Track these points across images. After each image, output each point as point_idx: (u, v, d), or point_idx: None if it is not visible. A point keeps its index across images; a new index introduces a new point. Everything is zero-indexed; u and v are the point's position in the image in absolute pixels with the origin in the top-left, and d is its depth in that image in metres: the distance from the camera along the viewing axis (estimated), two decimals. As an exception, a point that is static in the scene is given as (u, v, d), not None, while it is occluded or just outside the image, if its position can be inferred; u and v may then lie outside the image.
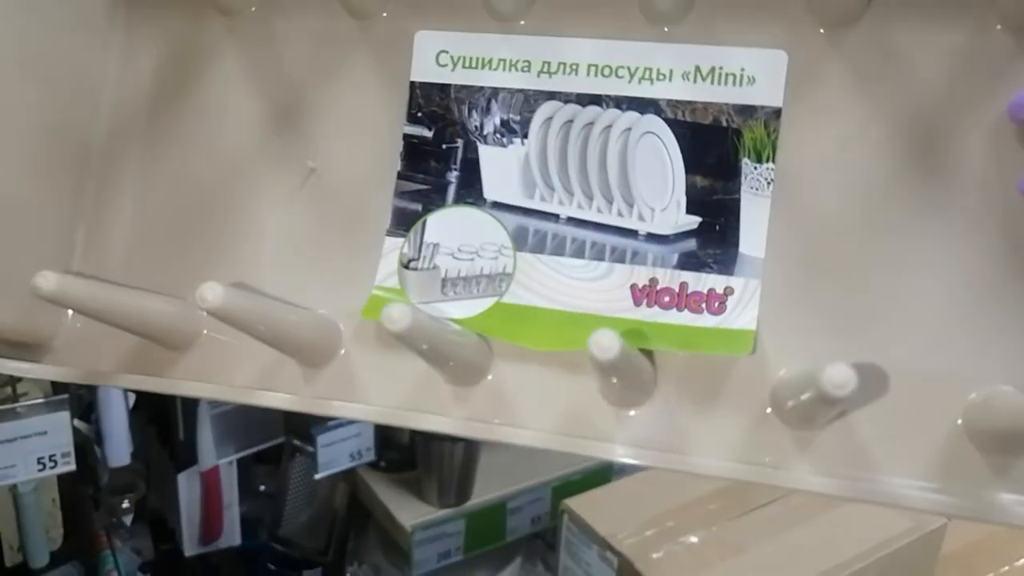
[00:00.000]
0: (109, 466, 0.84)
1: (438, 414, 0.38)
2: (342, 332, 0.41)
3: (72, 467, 0.78)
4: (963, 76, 0.36)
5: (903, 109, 0.37)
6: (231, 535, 0.94)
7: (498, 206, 0.41)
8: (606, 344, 0.30)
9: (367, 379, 0.40)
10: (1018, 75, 0.35)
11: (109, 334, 0.40)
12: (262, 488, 0.97)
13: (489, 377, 0.39)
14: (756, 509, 0.71)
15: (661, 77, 0.40)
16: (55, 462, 0.76)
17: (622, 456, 0.36)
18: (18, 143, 0.41)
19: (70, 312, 0.44)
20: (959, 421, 0.34)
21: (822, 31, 0.38)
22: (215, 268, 0.43)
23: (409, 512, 0.92)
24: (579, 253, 0.40)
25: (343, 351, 0.41)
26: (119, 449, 0.83)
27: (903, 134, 0.37)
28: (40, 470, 0.76)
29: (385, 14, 0.43)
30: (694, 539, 0.69)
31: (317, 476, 0.91)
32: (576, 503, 0.74)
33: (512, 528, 0.98)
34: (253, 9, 0.44)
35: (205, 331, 0.43)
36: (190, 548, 0.92)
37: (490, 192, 0.41)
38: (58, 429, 0.75)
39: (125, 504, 0.86)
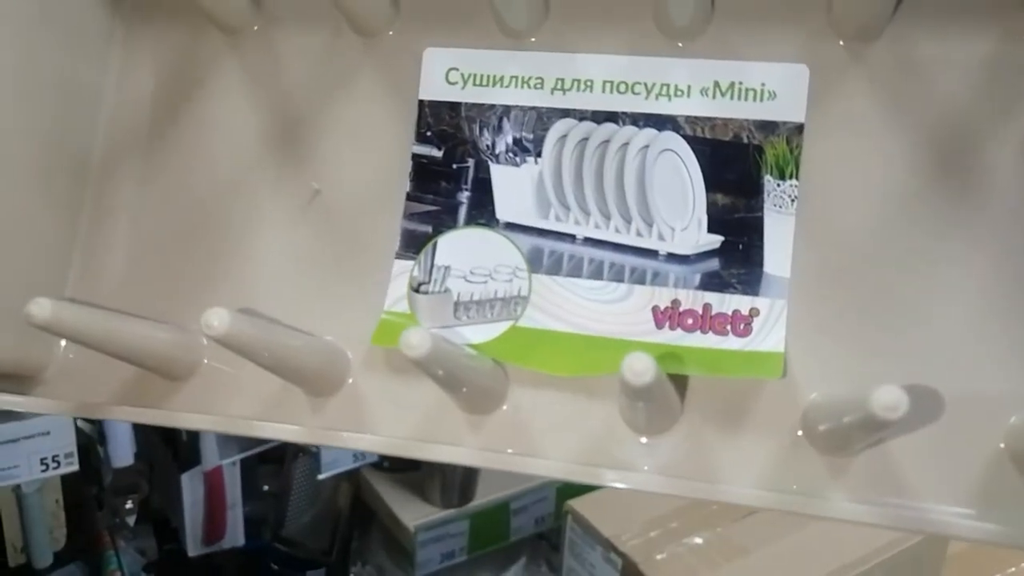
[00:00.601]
0: (112, 466, 0.84)
1: (452, 444, 0.37)
2: (350, 360, 0.39)
3: (75, 467, 0.78)
4: (990, 88, 0.35)
5: (929, 122, 0.36)
6: (234, 535, 0.94)
7: (511, 227, 0.40)
8: (640, 368, 0.29)
9: (377, 408, 0.38)
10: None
11: (104, 364, 0.39)
12: (265, 488, 0.97)
13: (505, 405, 0.38)
14: (761, 510, 0.71)
15: (679, 93, 0.39)
16: (58, 462, 0.76)
17: (646, 486, 0.34)
18: (10, 163, 0.39)
19: (63, 342, 0.42)
20: (1001, 445, 0.33)
21: (843, 44, 0.37)
22: (216, 292, 0.41)
23: (413, 512, 0.92)
24: (597, 274, 0.38)
25: (351, 379, 0.39)
26: (122, 449, 0.84)
27: (930, 147, 0.36)
28: (43, 470, 0.76)
29: (392, 32, 0.42)
30: (698, 540, 0.68)
31: (320, 476, 0.90)
32: (580, 504, 0.73)
33: (516, 528, 0.97)
34: (256, 28, 0.43)
35: (206, 360, 0.41)
36: (193, 548, 0.92)
37: (503, 212, 0.40)
38: (61, 429, 0.75)
39: (129, 504, 0.86)
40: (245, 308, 0.39)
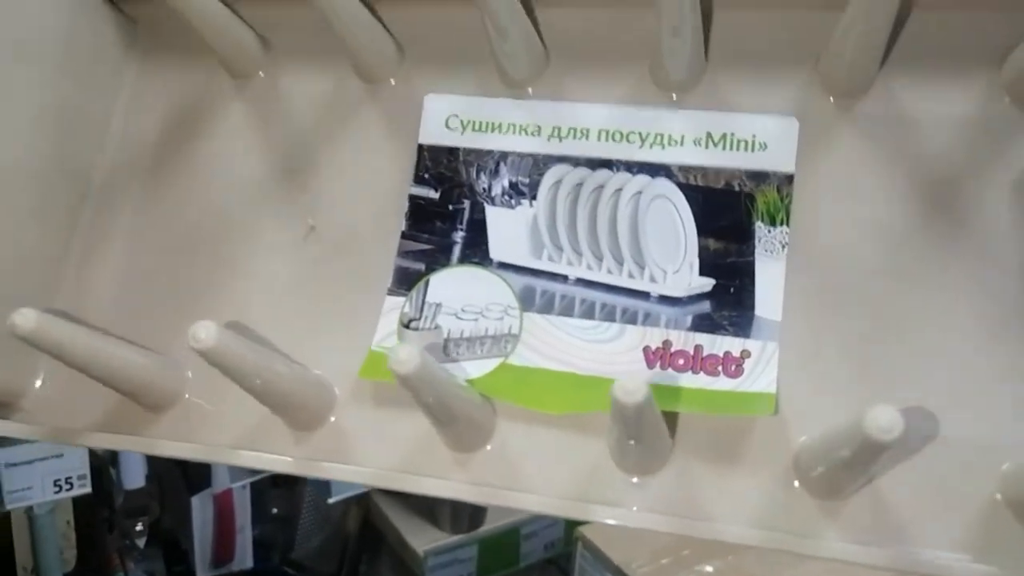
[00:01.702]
0: (124, 488, 0.85)
1: (438, 478, 0.36)
2: (336, 394, 0.39)
3: (88, 489, 0.80)
4: (975, 141, 0.36)
5: (917, 173, 0.37)
6: (243, 558, 0.94)
7: (504, 266, 0.40)
8: (631, 387, 0.28)
9: (362, 441, 0.38)
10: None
11: (84, 392, 0.38)
12: (275, 511, 0.97)
13: (491, 443, 0.37)
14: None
15: (672, 142, 0.40)
16: (71, 484, 0.78)
17: (635, 522, 0.34)
18: (10, 177, 0.40)
19: (42, 371, 0.41)
20: (995, 489, 0.32)
21: (832, 100, 0.38)
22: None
23: (422, 537, 0.92)
24: (588, 314, 0.38)
25: (337, 412, 0.39)
26: (134, 471, 0.85)
27: (918, 196, 0.36)
28: (56, 492, 0.78)
29: (395, 79, 0.43)
30: (709, 568, 0.67)
31: (331, 500, 0.91)
32: (591, 530, 0.72)
33: (525, 554, 0.97)
34: (262, 74, 0.44)
35: (187, 395, 0.40)
36: (202, 570, 0.92)
37: (496, 252, 0.40)
38: (74, 451, 0.78)
39: (139, 527, 0.86)
40: (235, 322, 0.39)
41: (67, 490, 0.79)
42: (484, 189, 0.41)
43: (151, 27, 0.46)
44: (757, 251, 0.38)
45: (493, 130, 0.42)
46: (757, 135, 0.39)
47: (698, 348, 0.37)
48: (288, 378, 0.37)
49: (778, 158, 0.39)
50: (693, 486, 0.34)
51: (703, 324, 0.37)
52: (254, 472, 0.90)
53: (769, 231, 0.38)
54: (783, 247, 0.38)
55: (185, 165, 0.43)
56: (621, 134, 0.40)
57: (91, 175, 0.43)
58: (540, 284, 0.39)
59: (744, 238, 0.38)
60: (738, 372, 0.36)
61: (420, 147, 0.42)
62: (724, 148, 0.39)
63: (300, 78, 0.44)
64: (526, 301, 0.39)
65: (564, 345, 0.38)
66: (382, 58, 0.42)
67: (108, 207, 0.43)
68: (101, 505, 0.87)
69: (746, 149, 0.39)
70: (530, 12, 0.40)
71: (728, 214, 0.39)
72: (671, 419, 0.36)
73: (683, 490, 0.34)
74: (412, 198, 0.42)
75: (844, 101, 0.38)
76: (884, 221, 0.36)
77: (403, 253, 0.41)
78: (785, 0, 0.38)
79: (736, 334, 0.37)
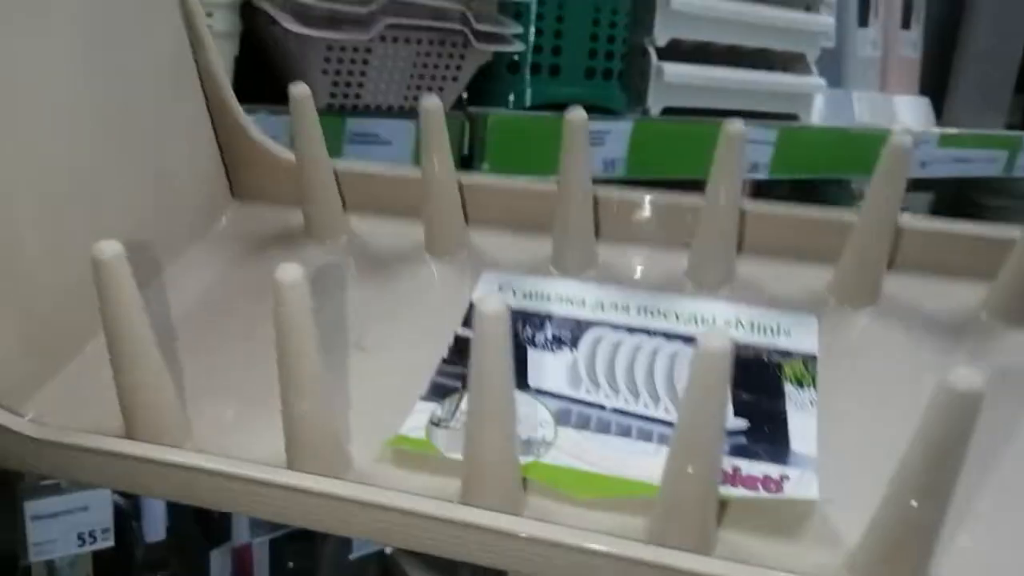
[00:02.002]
0: (145, 541, 0.86)
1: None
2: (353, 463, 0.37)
3: (111, 543, 0.80)
4: (961, 342, 0.41)
5: (919, 360, 0.41)
6: None
7: (542, 392, 0.41)
8: (716, 339, 0.29)
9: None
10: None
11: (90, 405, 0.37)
12: (290, 565, 0.98)
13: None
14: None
15: (705, 322, 0.44)
16: (95, 538, 0.79)
17: (672, 560, 0.30)
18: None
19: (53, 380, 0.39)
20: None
21: (849, 303, 0.44)
22: (239, 390, 0.40)
23: None
24: (625, 434, 0.38)
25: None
26: (155, 524, 0.87)
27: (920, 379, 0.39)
28: (80, 545, 0.78)
29: (458, 252, 0.48)
30: None
31: (352, 557, 0.92)
32: None
33: None
34: (344, 238, 0.50)
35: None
36: None
37: (534, 381, 0.41)
38: (99, 505, 0.78)
39: None
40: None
41: (90, 543, 0.78)
42: (528, 337, 0.44)
43: (248, 189, 0.53)
44: (788, 406, 0.39)
45: (542, 299, 0.46)
46: (782, 325, 0.43)
47: (736, 469, 0.36)
48: (329, 417, 0.35)
49: (802, 343, 0.42)
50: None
51: (740, 451, 0.37)
52: (273, 528, 0.87)
53: (798, 392, 0.40)
54: (812, 403, 0.39)
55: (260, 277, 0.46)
56: (659, 311, 0.44)
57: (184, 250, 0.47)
58: (576, 408, 0.40)
59: (775, 395, 0.40)
60: (778, 489, 0.35)
61: (471, 304, 0.46)
62: (753, 331, 0.43)
63: (372, 237, 0.50)
64: (562, 418, 0.39)
65: (598, 455, 0.37)
66: (453, 231, 0.48)
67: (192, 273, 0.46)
68: (121, 558, 0.83)
69: (772, 333, 0.43)
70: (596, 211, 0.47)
71: (759, 376, 0.41)
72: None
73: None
74: (458, 338, 0.44)
75: (856, 303, 0.44)
76: (901, 395, 0.39)
77: (441, 373, 0.42)
78: (802, 225, 0.46)
79: (774, 461, 0.37)
